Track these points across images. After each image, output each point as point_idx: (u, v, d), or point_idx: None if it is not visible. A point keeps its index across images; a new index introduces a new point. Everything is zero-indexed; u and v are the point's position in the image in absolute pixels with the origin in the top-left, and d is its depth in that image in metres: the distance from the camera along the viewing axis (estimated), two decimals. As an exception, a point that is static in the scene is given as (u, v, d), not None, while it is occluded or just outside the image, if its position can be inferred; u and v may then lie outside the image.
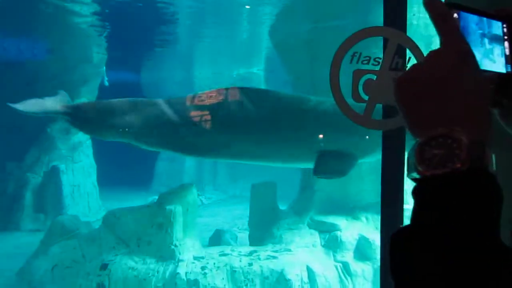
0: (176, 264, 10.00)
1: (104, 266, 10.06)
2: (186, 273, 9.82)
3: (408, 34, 2.57)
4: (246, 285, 9.91)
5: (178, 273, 9.79)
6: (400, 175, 2.58)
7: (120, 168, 20.36)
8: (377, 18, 11.37)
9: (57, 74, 16.07)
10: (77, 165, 16.64)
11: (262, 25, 15.82)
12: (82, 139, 17.01)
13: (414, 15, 11.53)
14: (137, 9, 13.80)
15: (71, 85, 16.43)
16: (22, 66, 16.16)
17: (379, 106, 2.67)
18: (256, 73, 22.85)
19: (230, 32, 17.50)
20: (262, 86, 22.46)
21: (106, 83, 18.65)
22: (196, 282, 9.71)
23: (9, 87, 16.18)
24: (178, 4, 13.71)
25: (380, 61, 2.55)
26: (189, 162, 22.41)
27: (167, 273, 9.86)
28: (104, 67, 17.66)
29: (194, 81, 23.35)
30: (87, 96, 17.06)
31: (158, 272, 9.91)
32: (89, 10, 13.78)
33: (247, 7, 14.00)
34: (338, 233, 10.85)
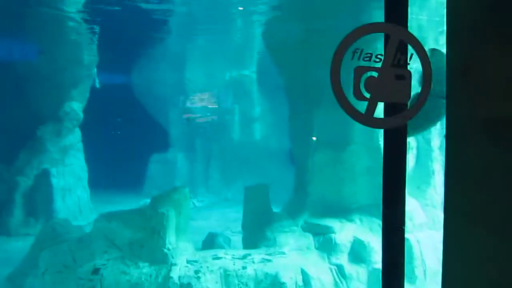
0: (169, 268, 9.87)
1: (96, 271, 9.91)
2: (179, 277, 9.70)
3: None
4: (240, 288, 9.81)
5: (171, 277, 9.67)
6: (402, 174, 2.51)
7: (112, 170, 20.18)
8: (370, 18, 11.39)
9: (48, 76, 15.91)
10: (68, 168, 16.45)
11: (254, 26, 15.76)
12: (73, 141, 16.84)
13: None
14: (128, 11, 13.68)
15: (62, 87, 16.31)
16: (13, 67, 15.96)
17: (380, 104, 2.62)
18: (248, 76, 22.77)
19: (223, 34, 17.42)
20: (254, 88, 22.40)
21: (98, 85, 18.49)
22: (189, 286, 9.59)
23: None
24: (169, 6, 13.61)
25: (382, 58, 2.50)
26: (181, 165, 22.25)
27: (160, 277, 9.74)
28: (95, 69, 17.49)
29: (185, 83, 23.22)
30: (78, 99, 16.91)
31: (151, 276, 9.78)
32: (80, 14, 13.65)
33: (240, 8, 13.92)
34: (333, 235, 10.79)
